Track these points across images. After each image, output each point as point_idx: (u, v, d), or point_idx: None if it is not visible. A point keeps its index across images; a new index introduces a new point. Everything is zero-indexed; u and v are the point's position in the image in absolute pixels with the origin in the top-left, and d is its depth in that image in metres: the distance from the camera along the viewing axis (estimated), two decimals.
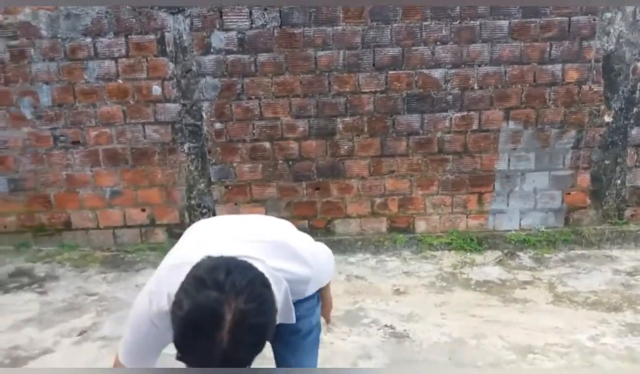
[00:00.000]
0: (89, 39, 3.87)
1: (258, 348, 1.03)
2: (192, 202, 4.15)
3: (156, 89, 3.95)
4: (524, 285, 3.48)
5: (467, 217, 4.17)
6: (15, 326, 3.06)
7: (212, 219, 1.61)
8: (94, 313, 3.18)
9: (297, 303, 1.52)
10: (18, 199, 4.11)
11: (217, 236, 1.39)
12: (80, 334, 2.93)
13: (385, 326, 3.04)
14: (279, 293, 1.25)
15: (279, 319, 1.20)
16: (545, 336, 2.84)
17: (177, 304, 1.03)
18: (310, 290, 1.49)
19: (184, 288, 1.04)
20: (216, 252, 1.14)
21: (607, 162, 4.05)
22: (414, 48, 3.89)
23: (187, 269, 1.09)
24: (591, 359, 2.62)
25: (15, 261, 3.91)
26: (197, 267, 1.08)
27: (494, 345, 2.77)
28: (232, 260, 1.09)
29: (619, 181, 4.08)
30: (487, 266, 3.80)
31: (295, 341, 1.57)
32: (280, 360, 1.63)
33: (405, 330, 2.97)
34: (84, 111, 4.00)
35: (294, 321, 1.31)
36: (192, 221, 3.69)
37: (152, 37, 3.88)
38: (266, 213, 4.13)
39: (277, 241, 1.37)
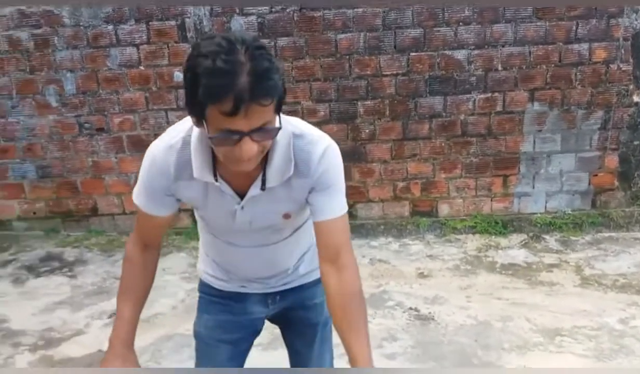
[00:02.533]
0: (110, 27, 3.89)
1: (276, 69, 1.01)
2: None
3: (178, 75, 3.96)
4: (550, 268, 3.44)
5: (491, 200, 4.13)
6: (48, 308, 3.14)
7: None
8: None
9: (311, 288, 1.51)
10: (46, 186, 4.19)
11: None
12: (110, 316, 3.00)
13: (410, 308, 3.04)
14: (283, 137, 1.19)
15: (275, 168, 1.20)
16: (573, 318, 2.81)
17: (188, 59, 1.02)
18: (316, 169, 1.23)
19: (194, 52, 1.02)
20: None
21: (636, 143, 3.96)
22: (435, 29, 3.83)
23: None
24: (620, 342, 2.59)
25: (46, 246, 4.00)
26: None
27: (520, 327, 2.75)
28: None
29: None
30: (512, 249, 3.76)
31: (311, 333, 1.56)
32: (295, 353, 1.62)
33: (430, 313, 2.97)
34: (108, 98, 4.04)
35: (290, 172, 1.20)
36: None
37: (172, 23, 3.89)
38: None
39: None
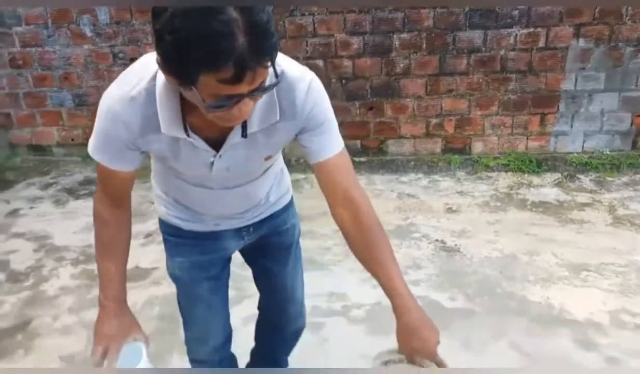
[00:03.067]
0: None
1: (270, 20, 0.88)
2: None
3: None
4: (582, 207, 3.38)
5: (527, 138, 4.03)
6: (87, 228, 3.30)
7: None
8: (156, 219, 3.37)
9: (282, 214, 1.50)
10: (83, 114, 4.30)
11: None
12: (146, 237, 3.14)
13: (436, 240, 3.06)
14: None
15: (260, 118, 1.10)
16: (602, 255, 2.78)
17: (172, 16, 0.84)
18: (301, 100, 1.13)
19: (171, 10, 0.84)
20: None
21: None
22: None
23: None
24: None
25: (84, 170, 4.17)
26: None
27: (546, 262, 2.75)
28: None
29: None
30: (544, 188, 3.70)
31: (285, 254, 1.57)
32: (270, 276, 1.60)
33: (456, 245, 2.99)
34: (141, 29, 4.05)
35: (277, 117, 1.11)
36: None
37: None
38: None
39: None
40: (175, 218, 1.42)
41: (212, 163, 1.17)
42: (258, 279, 1.67)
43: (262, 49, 0.86)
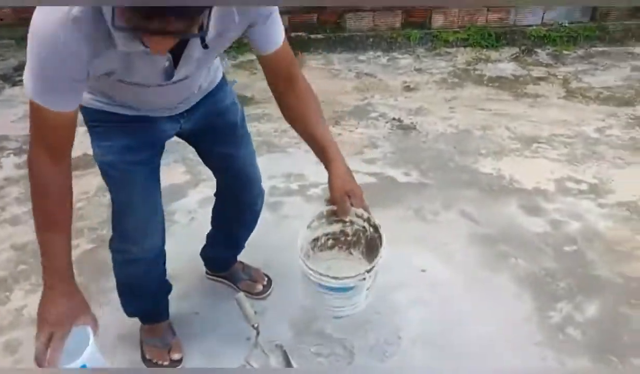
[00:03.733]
0: None
1: None
2: None
3: None
4: (537, 81, 3.40)
5: (487, 10, 3.89)
6: (27, 115, 3.10)
7: None
8: None
9: (217, 93, 1.42)
10: None
11: None
12: None
13: (393, 119, 3.05)
14: None
15: (217, 22, 1.00)
16: (552, 127, 2.84)
17: None
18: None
19: None
20: None
21: None
22: None
23: None
24: (594, 148, 2.65)
25: (18, 55, 3.83)
26: None
27: (499, 135, 2.79)
28: None
29: None
30: (502, 62, 3.67)
31: (232, 133, 1.49)
32: (226, 160, 1.53)
33: (412, 122, 2.99)
34: None
35: (236, 21, 1.07)
36: None
37: None
38: None
39: None
40: (101, 103, 1.27)
41: (167, 69, 1.08)
42: (215, 167, 1.61)
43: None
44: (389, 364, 1.54)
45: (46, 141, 1.05)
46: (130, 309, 1.59)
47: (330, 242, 1.30)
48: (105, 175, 1.35)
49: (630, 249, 1.96)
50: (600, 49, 3.78)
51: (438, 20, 3.95)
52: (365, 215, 1.24)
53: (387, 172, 2.55)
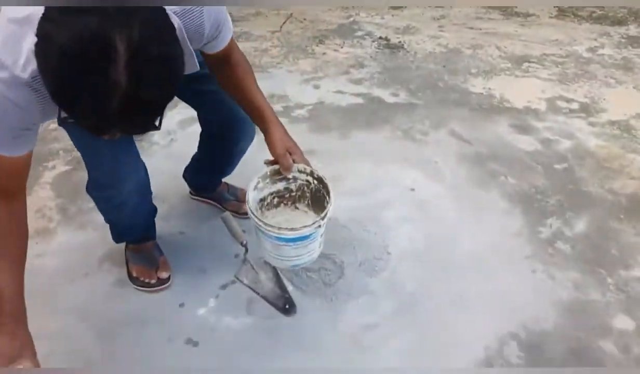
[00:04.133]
0: None
1: (168, 88, 0.77)
2: None
3: None
4: None
5: None
6: None
7: None
8: None
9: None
10: None
11: None
12: None
13: (380, 38, 2.92)
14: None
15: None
16: (543, 47, 2.76)
17: (45, 40, 0.71)
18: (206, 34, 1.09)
19: (50, 18, 0.71)
20: None
21: None
22: None
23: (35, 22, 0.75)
24: (586, 67, 2.60)
25: None
26: None
27: (490, 55, 2.71)
28: None
29: None
30: None
31: (218, 92, 1.35)
32: (207, 95, 1.43)
33: (400, 41, 2.87)
34: None
35: (197, 67, 1.05)
36: None
37: None
38: None
39: None
40: None
41: None
42: (195, 105, 1.51)
43: (136, 125, 0.78)
44: (378, 279, 1.52)
45: None
46: (118, 240, 1.54)
47: (276, 200, 1.33)
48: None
49: (620, 167, 1.94)
50: None
51: None
52: (308, 169, 1.26)
53: (375, 93, 2.47)
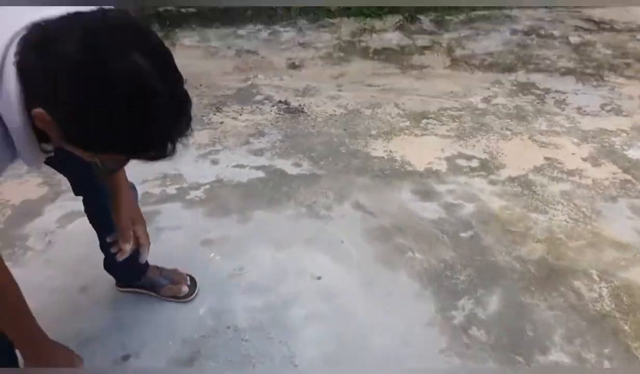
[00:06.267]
0: None
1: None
2: None
3: None
4: (422, 51, 3.33)
5: None
6: None
7: None
8: None
9: None
10: None
11: None
12: None
13: (280, 102, 2.83)
14: None
15: None
16: (440, 101, 2.78)
17: (98, 91, 0.70)
18: None
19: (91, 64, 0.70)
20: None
21: None
22: None
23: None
24: (482, 120, 2.63)
25: None
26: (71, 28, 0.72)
27: (388, 113, 2.68)
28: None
29: None
30: (386, 33, 3.56)
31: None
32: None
33: (300, 105, 2.78)
34: None
35: None
36: None
37: None
38: None
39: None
40: None
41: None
42: (75, 185, 1.41)
43: (187, 126, 0.80)
44: None
45: None
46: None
47: None
48: None
49: (525, 229, 1.92)
50: (480, 12, 3.79)
51: None
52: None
53: (277, 164, 2.34)
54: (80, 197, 1.46)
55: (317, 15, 3.70)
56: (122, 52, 0.71)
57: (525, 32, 3.56)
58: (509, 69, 3.11)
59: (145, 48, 0.73)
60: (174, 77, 0.78)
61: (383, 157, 2.35)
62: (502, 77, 3.02)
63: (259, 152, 2.43)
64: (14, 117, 0.79)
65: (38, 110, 0.75)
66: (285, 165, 2.34)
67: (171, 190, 2.19)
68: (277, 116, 2.72)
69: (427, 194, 2.13)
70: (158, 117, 0.74)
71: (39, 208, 2.07)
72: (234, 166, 2.33)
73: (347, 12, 3.70)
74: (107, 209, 1.34)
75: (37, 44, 0.74)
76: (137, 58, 0.71)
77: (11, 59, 0.76)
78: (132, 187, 1.42)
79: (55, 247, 1.89)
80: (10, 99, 0.77)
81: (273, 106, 2.80)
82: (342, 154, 2.40)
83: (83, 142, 0.77)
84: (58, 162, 1.30)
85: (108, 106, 0.71)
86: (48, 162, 1.33)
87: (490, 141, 2.46)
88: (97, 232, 1.53)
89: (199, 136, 2.54)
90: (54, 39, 0.72)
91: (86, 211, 1.50)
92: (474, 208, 2.04)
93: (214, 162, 2.37)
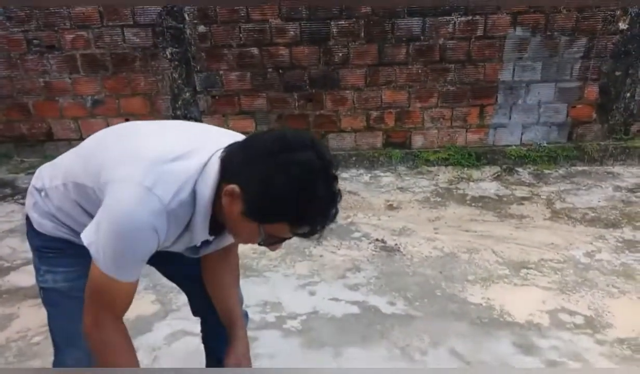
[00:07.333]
0: None
1: None
2: (178, 112, 3.94)
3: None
4: (521, 201, 3.37)
5: (466, 131, 3.99)
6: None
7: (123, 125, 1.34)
8: None
9: None
10: None
11: (169, 129, 1.22)
12: None
13: (377, 240, 2.95)
14: None
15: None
16: (540, 251, 2.75)
17: (282, 171, 0.99)
18: None
19: (275, 162, 1.00)
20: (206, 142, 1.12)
21: (617, 73, 3.81)
22: None
23: (187, 164, 1.07)
24: (585, 275, 2.55)
25: None
26: (270, 146, 1.03)
27: (486, 260, 2.69)
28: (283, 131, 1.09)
29: (628, 94, 3.86)
30: (484, 182, 3.67)
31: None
32: (195, 279, 1.47)
33: (396, 244, 2.89)
34: (57, 12, 3.68)
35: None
36: None
37: None
38: (256, 127, 3.95)
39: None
40: (67, 234, 1.25)
41: (197, 246, 1.24)
42: (187, 291, 1.56)
43: (334, 220, 1.06)
44: None
45: (113, 308, 1.12)
46: None
47: None
48: (49, 303, 1.29)
49: None
50: (580, 168, 3.82)
51: (418, 141, 4.01)
52: None
53: (371, 301, 2.40)
54: (192, 318, 1.60)
55: (416, 163, 3.93)
56: (303, 148, 1.00)
57: (629, 189, 3.51)
58: (613, 224, 3.04)
59: (319, 152, 1.01)
60: (333, 176, 1.04)
61: (481, 304, 2.34)
62: (605, 233, 2.94)
63: (354, 287, 2.51)
64: (207, 192, 1.05)
65: (231, 185, 1.02)
66: (380, 302, 2.39)
67: (270, 317, 2.30)
68: (374, 253, 2.83)
69: (528, 349, 2.05)
70: (318, 199, 1.00)
71: (150, 325, 2.26)
72: (329, 299, 2.42)
73: (445, 161, 3.90)
74: (222, 334, 1.46)
75: (241, 143, 1.07)
76: (312, 155, 1.00)
77: (216, 157, 1.07)
78: (245, 315, 1.56)
79: (160, 363, 2.03)
80: (208, 178, 1.05)
81: (370, 243, 2.93)
82: (437, 296, 2.41)
83: (259, 211, 1.02)
84: (182, 277, 1.49)
85: (287, 183, 0.98)
86: (172, 278, 1.52)
87: (596, 298, 2.36)
88: (205, 353, 1.66)
89: (299, 267, 2.70)
90: (255, 139, 1.06)
91: (202, 331, 1.64)
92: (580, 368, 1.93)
93: (312, 293, 2.48)
